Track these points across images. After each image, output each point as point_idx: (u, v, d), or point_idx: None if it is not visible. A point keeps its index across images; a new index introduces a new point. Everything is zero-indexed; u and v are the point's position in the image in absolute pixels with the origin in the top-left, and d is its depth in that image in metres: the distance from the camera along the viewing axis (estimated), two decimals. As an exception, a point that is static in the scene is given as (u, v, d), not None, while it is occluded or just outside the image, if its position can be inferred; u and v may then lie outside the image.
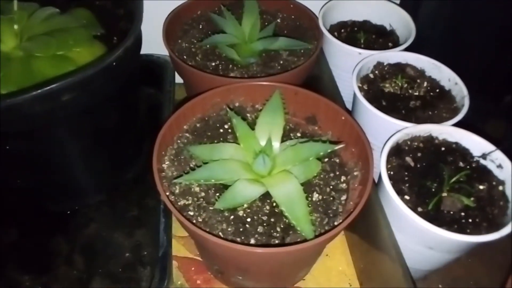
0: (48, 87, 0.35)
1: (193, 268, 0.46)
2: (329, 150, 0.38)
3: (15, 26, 0.44)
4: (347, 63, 0.51)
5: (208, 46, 0.55)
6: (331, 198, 0.39)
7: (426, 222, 0.33)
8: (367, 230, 0.42)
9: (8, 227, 0.48)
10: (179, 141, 0.42)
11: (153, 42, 0.55)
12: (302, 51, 0.54)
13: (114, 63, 0.40)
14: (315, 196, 0.39)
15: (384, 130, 0.42)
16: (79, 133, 0.45)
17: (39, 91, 0.35)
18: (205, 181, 0.36)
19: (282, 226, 0.37)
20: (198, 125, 0.44)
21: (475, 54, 0.57)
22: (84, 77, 0.37)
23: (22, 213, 0.50)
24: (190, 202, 0.37)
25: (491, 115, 0.62)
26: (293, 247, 0.32)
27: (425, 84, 0.47)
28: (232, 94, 0.45)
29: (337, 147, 0.37)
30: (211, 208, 0.37)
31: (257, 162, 0.37)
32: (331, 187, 0.40)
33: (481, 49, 0.57)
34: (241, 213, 0.37)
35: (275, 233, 0.36)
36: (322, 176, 0.41)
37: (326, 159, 0.42)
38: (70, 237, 0.48)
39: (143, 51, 0.54)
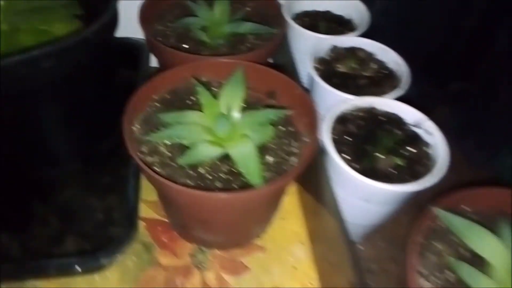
0: (30, 53, 0.40)
1: (160, 228, 0.51)
2: (280, 115, 0.43)
3: (1, 2, 0.48)
4: (308, 47, 0.56)
5: (181, 29, 0.59)
6: (283, 160, 0.44)
7: (360, 176, 0.38)
8: (314, 190, 0.47)
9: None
10: (148, 109, 0.46)
11: (130, 27, 0.60)
12: (267, 36, 0.59)
13: (91, 36, 0.44)
14: (269, 158, 0.44)
15: (334, 103, 0.47)
16: (57, 101, 0.49)
17: (23, 55, 0.39)
18: (169, 139, 0.41)
19: (238, 184, 0.42)
20: (167, 96, 0.48)
21: (424, 43, 0.63)
22: (62, 47, 0.42)
23: (1, 178, 0.53)
24: (156, 160, 0.42)
25: (438, 100, 0.68)
26: (243, 193, 0.36)
27: (374, 65, 0.53)
28: (200, 69, 0.50)
29: (287, 112, 0.42)
30: (174, 165, 0.42)
31: (217, 124, 0.42)
32: (284, 151, 0.45)
33: (429, 39, 0.63)
34: (202, 170, 0.42)
35: (232, 189, 0.41)
36: (277, 142, 0.45)
37: (283, 128, 0.47)
38: (46, 200, 0.52)
39: (122, 34, 0.59)
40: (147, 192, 0.53)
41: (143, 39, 0.63)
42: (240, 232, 0.48)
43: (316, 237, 0.49)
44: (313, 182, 0.46)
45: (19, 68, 0.40)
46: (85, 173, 0.54)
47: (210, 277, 0.47)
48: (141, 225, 0.51)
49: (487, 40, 0.59)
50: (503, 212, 0.38)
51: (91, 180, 0.54)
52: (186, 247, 0.49)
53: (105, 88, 0.56)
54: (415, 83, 0.67)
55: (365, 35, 0.57)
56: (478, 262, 0.35)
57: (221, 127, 0.42)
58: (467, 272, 0.34)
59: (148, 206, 0.53)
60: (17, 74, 0.41)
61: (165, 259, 0.48)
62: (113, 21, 0.51)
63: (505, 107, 0.57)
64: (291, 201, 0.55)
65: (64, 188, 0.53)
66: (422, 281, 0.34)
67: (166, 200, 0.46)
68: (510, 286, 0.33)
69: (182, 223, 0.47)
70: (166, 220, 0.51)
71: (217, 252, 0.49)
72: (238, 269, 0.48)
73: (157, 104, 0.47)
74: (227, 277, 0.48)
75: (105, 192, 0.52)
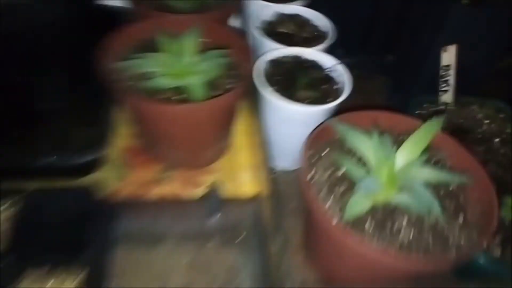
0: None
1: (133, 153, 0.62)
2: (225, 59, 0.55)
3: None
4: (259, 13, 0.68)
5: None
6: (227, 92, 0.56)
7: (279, 100, 0.51)
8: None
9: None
10: (122, 53, 0.58)
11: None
12: (226, 2, 0.71)
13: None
14: (216, 92, 0.56)
15: (270, 53, 0.60)
16: (46, 46, 0.60)
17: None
18: (137, 68, 0.53)
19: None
20: (138, 44, 0.60)
21: (361, 16, 0.76)
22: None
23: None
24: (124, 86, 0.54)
25: (377, 68, 0.81)
26: (188, 105, 0.49)
27: (309, 28, 0.65)
28: (166, 24, 0.61)
29: (227, 53, 0.55)
30: (140, 90, 0.53)
31: (174, 61, 0.54)
32: (229, 86, 0.57)
33: (366, 13, 0.76)
34: (161, 96, 0.54)
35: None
36: (224, 81, 0.57)
37: (229, 72, 0.59)
38: (37, 127, 0.63)
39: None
40: (126, 127, 0.64)
41: (123, 6, 0.75)
42: (195, 152, 0.60)
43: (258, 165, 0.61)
44: (253, 116, 0.58)
45: (17, 9, 0.52)
46: (73, 107, 0.66)
47: (170, 189, 0.59)
48: (119, 150, 0.63)
49: (403, 20, 0.72)
50: (386, 128, 0.51)
51: (77, 113, 0.65)
52: (154, 167, 0.61)
53: (89, 42, 0.68)
54: (358, 54, 0.80)
55: (306, 5, 0.70)
56: (361, 162, 0.47)
57: (177, 64, 0.54)
58: (348, 164, 0.46)
59: (126, 137, 0.65)
60: (15, 15, 0.52)
61: (135, 175, 0.60)
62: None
63: (411, 75, 0.70)
64: (243, 139, 0.67)
65: (52, 118, 0.64)
66: (317, 175, 0.46)
67: (135, 119, 0.58)
68: (379, 173, 0.45)
69: (149, 142, 0.59)
70: (140, 148, 0.63)
71: (178, 171, 0.61)
72: (194, 185, 0.60)
73: (131, 49, 0.59)
74: (184, 190, 0.60)
75: (88, 122, 0.64)
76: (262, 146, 0.53)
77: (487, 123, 0.63)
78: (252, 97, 0.58)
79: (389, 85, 0.79)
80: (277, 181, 0.54)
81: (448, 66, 0.61)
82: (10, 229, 0.49)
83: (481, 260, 0.47)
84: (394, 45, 0.78)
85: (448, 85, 0.63)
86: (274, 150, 0.53)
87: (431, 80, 0.66)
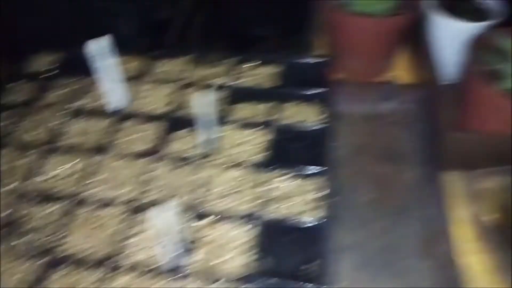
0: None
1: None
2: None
3: None
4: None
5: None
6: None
7: (447, 19, 0.70)
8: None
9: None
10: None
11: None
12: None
13: None
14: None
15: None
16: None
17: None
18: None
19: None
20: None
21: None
22: None
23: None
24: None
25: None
26: (374, 18, 0.72)
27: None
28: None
29: None
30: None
31: None
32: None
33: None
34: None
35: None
36: (400, 10, 0.78)
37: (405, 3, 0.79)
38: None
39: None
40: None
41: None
42: (371, 63, 0.82)
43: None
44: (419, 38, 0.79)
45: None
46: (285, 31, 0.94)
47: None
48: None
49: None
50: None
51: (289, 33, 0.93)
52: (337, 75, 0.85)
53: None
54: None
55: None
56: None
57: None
58: (497, 58, 0.63)
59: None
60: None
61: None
62: None
63: None
64: (408, 60, 0.87)
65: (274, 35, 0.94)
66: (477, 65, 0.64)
67: (331, 33, 0.82)
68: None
69: (337, 54, 0.83)
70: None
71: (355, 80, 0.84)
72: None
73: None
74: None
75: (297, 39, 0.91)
76: (428, 62, 0.73)
77: None
78: (418, 28, 0.78)
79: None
80: (439, 88, 0.74)
81: None
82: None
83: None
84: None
85: None
86: (438, 65, 0.72)
87: None
